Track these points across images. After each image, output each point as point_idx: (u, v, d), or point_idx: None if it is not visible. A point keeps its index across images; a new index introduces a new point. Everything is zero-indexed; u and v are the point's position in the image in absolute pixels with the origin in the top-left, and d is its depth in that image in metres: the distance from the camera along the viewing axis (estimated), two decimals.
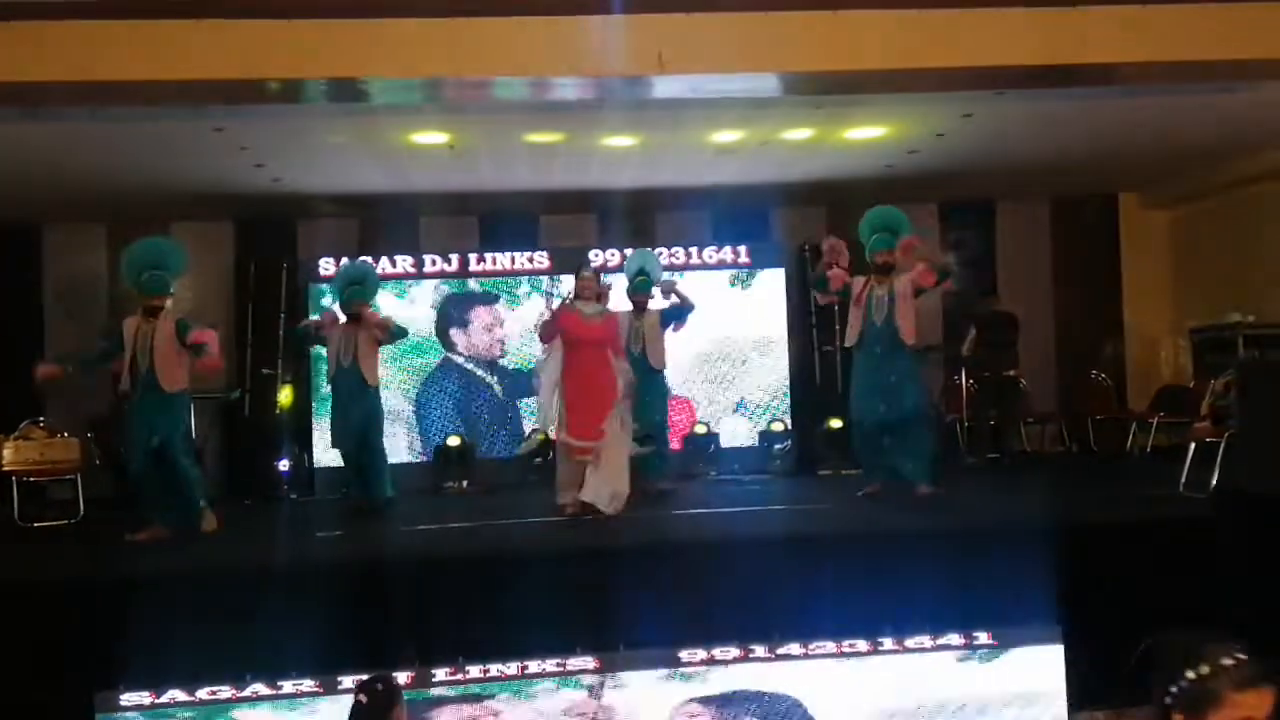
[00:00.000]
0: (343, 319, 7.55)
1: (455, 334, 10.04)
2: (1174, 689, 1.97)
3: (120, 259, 6.94)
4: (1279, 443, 5.16)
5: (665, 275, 8.16)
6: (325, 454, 9.00)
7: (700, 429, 9.63)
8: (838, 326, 9.84)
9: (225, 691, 4.71)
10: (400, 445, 9.64)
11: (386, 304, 9.20)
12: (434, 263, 9.99)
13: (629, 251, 8.97)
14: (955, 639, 5.08)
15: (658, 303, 7.95)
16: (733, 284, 10.07)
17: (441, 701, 4.78)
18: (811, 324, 10.09)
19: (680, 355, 8.94)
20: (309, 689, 4.76)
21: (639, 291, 7.84)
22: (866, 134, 8.20)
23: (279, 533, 7.45)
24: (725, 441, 9.76)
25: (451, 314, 10.03)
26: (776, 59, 6.02)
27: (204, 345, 6.53)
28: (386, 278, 9.81)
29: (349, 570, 5.56)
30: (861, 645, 4.98)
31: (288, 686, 4.76)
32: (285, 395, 9.51)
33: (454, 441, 9.48)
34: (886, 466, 6.97)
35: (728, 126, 7.89)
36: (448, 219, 10.43)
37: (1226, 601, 5.05)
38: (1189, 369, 10.02)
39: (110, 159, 7.93)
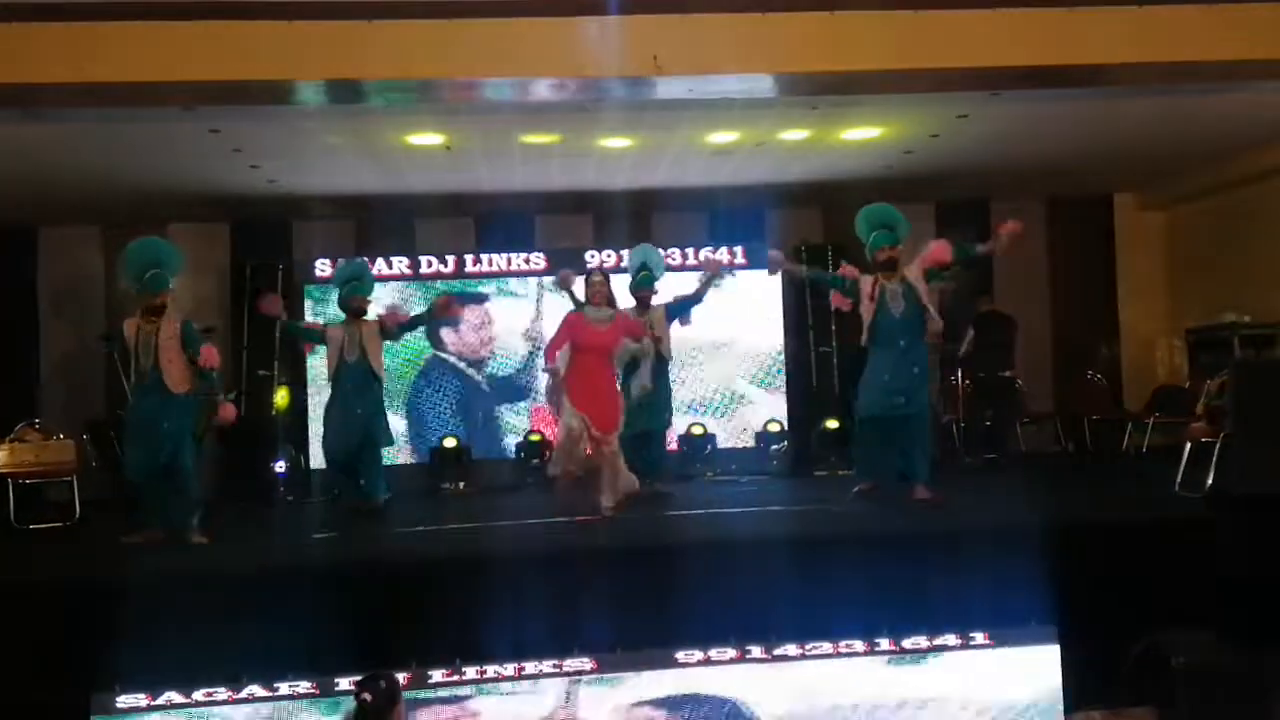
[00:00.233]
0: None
1: (445, 333, 10.03)
2: None
3: (119, 259, 6.89)
4: (1274, 442, 5.16)
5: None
6: (321, 456, 8.98)
7: (697, 430, 9.62)
8: (833, 327, 9.91)
9: (221, 693, 4.72)
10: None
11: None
12: (430, 264, 9.98)
13: (625, 253, 8.95)
14: (951, 639, 5.10)
15: (660, 297, 7.93)
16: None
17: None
18: (808, 325, 10.09)
19: None
20: (305, 690, 4.78)
21: (642, 287, 7.76)
22: (862, 135, 8.20)
23: (275, 535, 7.44)
24: (722, 442, 9.76)
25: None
26: (772, 60, 6.03)
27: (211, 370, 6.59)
28: (383, 279, 9.83)
29: (348, 572, 5.55)
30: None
31: (284, 688, 4.77)
32: (281, 397, 9.49)
33: (450, 443, 9.48)
34: (890, 464, 6.87)
35: (724, 127, 7.90)
36: (444, 220, 10.43)
37: (1222, 602, 5.07)
38: (1184, 369, 10.03)
39: (106, 160, 7.92)
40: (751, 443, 9.85)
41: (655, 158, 8.60)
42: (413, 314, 8.02)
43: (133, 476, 6.58)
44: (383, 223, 10.33)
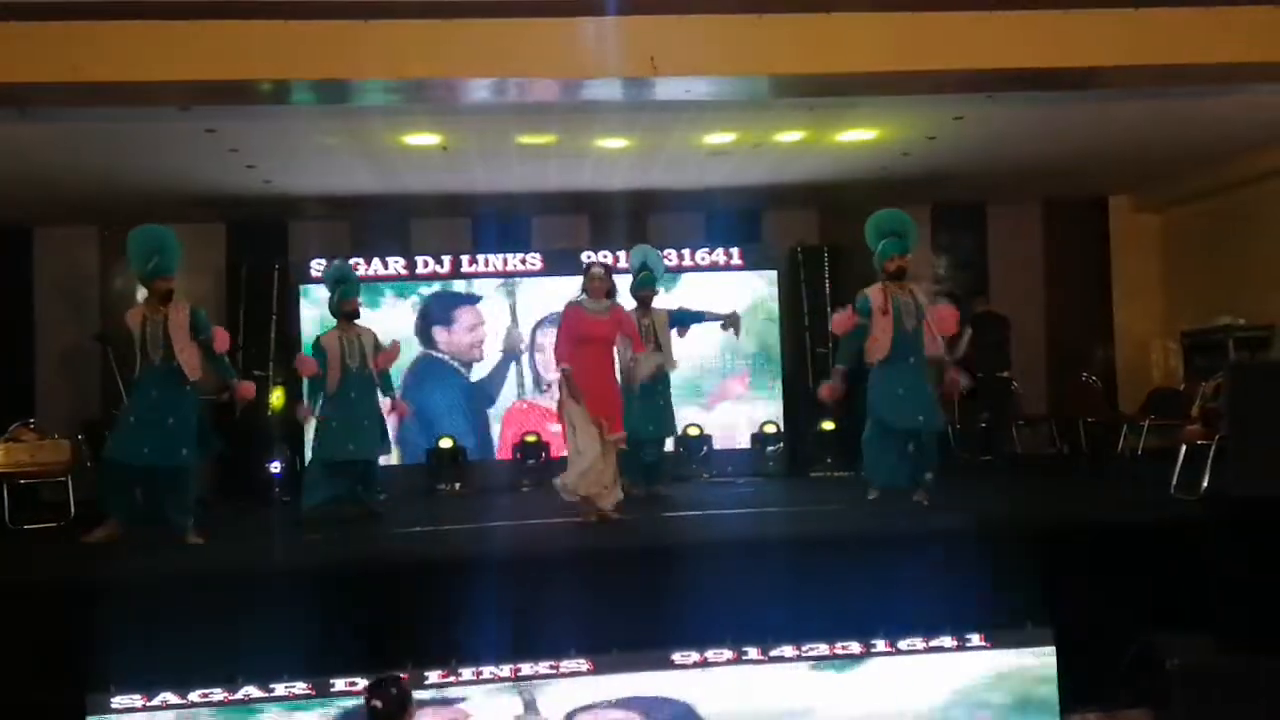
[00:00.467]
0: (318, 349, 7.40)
1: (438, 332, 10.04)
2: None
3: (126, 246, 6.64)
4: (1270, 445, 5.17)
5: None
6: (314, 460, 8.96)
7: (693, 431, 9.63)
8: (830, 328, 9.90)
9: (217, 694, 4.71)
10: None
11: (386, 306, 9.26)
12: (426, 264, 9.98)
13: (622, 254, 8.95)
14: (947, 641, 5.10)
15: (662, 299, 7.93)
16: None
17: None
18: (805, 326, 10.10)
19: None
20: (301, 691, 4.77)
21: (643, 287, 7.71)
22: (858, 136, 8.22)
23: (271, 536, 7.41)
24: (719, 444, 9.77)
25: (434, 312, 10.03)
26: (768, 61, 6.03)
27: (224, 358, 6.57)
28: (380, 279, 9.84)
29: (345, 573, 5.55)
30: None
31: (279, 689, 4.76)
32: (277, 397, 9.48)
33: (446, 444, 9.48)
34: (903, 472, 6.73)
35: (720, 129, 7.91)
36: (440, 220, 10.43)
37: (1218, 604, 5.07)
38: (1179, 371, 10.04)
39: (102, 160, 7.91)
40: (747, 444, 9.86)
41: (651, 159, 8.61)
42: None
43: (121, 458, 6.29)
44: (378, 223, 10.33)
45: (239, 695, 4.71)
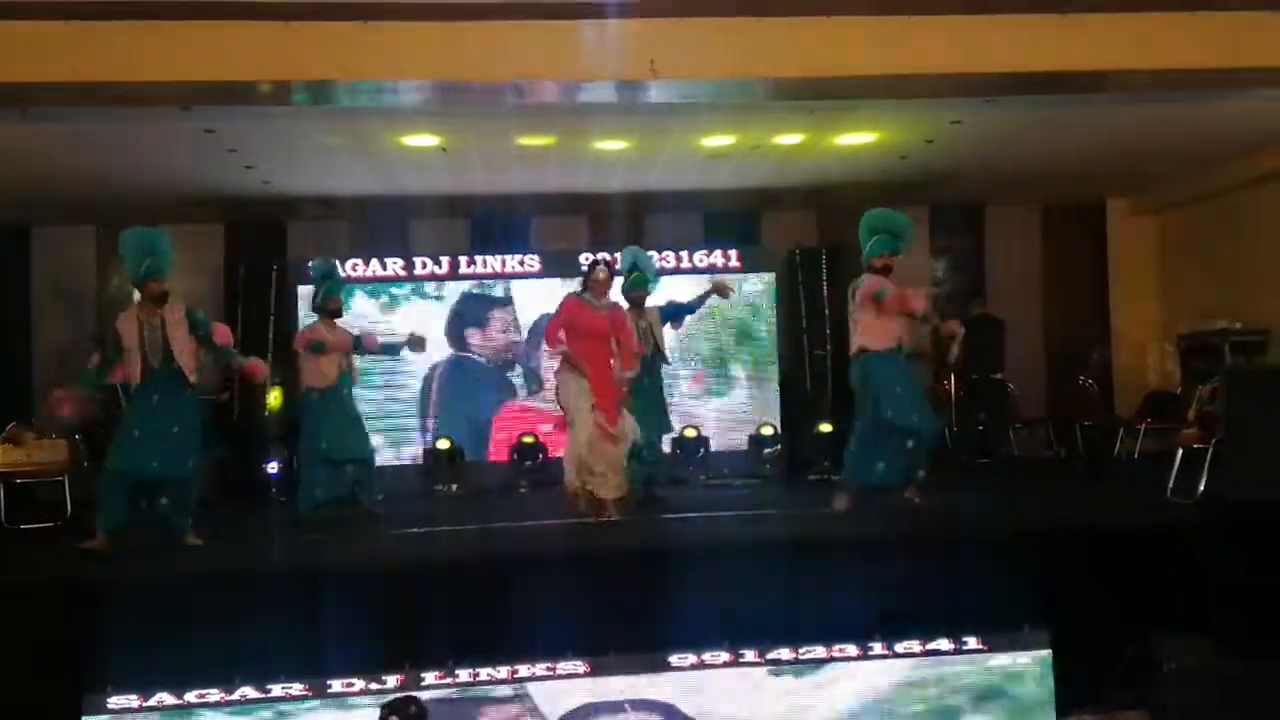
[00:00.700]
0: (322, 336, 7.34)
1: (471, 333, 10.09)
2: None
3: (119, 247, 6.47)
4: (1266, 449, 5.19)
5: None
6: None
7: (690, 433, 9.63)
8: (828, 331, 9.93)
9: (213, 694, 4.71)
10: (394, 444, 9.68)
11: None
12: (425, 265, 9.98)
13: (619, 255, 8.94)
14: (944, 644, 5.11)
15: (652, 299, 7.93)
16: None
17: None
18: (803, 328, 10.11)
19: None
20: (298, 693, 4.77)
21: (636, 288, 7.68)
22: (857, 139, 8.22)
23: (269, 536, 7.41)
24: (715, 446, 9.76)
25: (467, 314, 10.08)
26: (768, 64, 6.04)
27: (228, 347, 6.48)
28: (378, 280, 9.84)
29: (342, 573, 5.54)
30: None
31: (276, 690, 4.76)
32: (275, 397, 9.47)
33: (444, 445, 9.48)
34: (890, 472, 6.64)
35: (719, 131, 7.91)
36: (438, 221, 10.43)
37: (1214, 607, 5.08)
38: (1176, 375, 10.05)
39: (100, 160, 7.91)
40: (745, 446, 9.86)
41: (650, 160, 8.61)
42: (382, 341, 7.79)
43: (128, 470, 6.13)
44: (377, 224, 10.33)
45: (235, 696, 4.71)
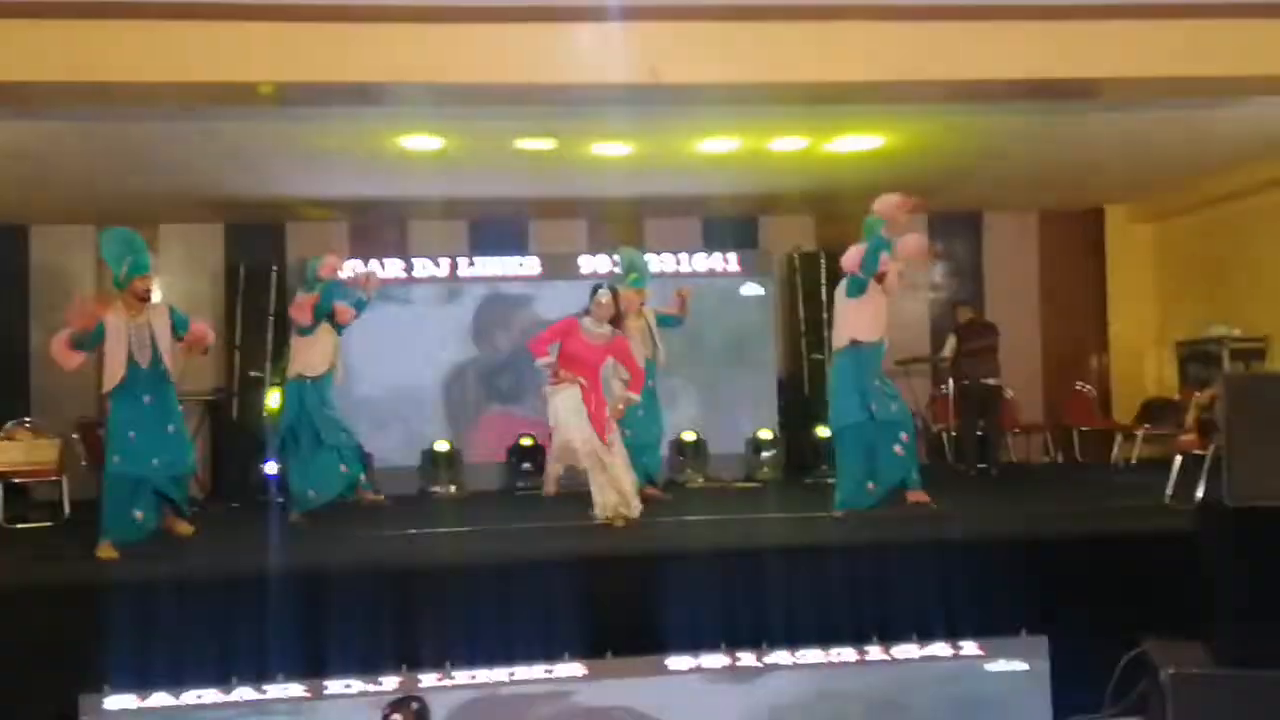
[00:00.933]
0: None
1: (497, 334, 10.13)
2: None
3: (101, 249, 6.31)
4: (1264, 455, 5.18)
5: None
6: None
7: (689, 435, 9.63)
8: (827, 333, 9.91)
9: (210, 694, 4.70)
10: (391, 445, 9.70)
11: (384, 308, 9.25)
12: (424, 267, 9.98)
13: (616, 258, 8.95)
14: (942, 649, 5.11)
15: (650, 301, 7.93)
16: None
17: None
18: (800, 332, 10.11)
19: None
20: (296, 694, 4.75)
21: (634, 288, 7.69)
22: (856, 144, 8.23)
23: (268, 536, 7.40)
24: (713, 448, 9.76)
25: (489, 315, 10.11)
26: (768, 69, 6.05)
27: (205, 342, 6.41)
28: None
29: (339, 574, 5.54)
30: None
31: (273, 690, 4.75)
32: (274, 398, 9.47)
33: (441, 446, 9.47)
34: (895, 470, 6.57)
35: (718, 135, 7.92)
36: (438, 223, 10.44)
37: (1212, 614, 5.08)
38: (1174, 381, 10.08)
39: (100, 160, 7.91)
40: (742, 449, 9.86)
41: (650, 164, 8.62)
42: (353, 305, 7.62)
43: (132, 472, 6.07)
44: (376, 225, 10.33)
45: (232, 696, 4.70)
